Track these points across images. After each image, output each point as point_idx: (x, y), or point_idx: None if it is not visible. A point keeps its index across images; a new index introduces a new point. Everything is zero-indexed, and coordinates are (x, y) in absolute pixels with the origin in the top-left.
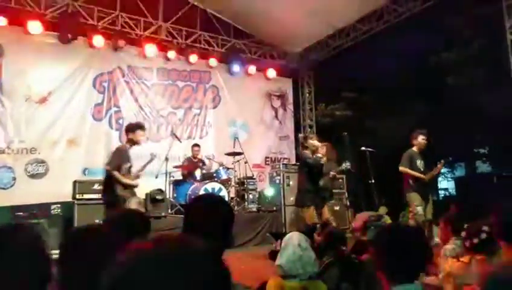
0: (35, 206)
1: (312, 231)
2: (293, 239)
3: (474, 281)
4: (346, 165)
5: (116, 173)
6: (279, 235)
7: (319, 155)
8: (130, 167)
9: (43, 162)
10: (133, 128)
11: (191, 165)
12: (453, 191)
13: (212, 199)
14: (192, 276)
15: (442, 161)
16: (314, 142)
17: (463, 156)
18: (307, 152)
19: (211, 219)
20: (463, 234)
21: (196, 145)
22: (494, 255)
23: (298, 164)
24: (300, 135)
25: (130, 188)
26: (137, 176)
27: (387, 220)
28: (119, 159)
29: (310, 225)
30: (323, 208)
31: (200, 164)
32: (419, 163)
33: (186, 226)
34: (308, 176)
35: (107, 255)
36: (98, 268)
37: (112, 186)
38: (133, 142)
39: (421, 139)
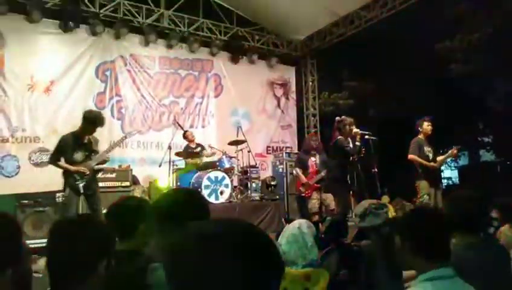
0: (40, 194)
1: (321, 221)
2: (296, 223)
3: None
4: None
5: (60, 163)
6: (292, 221)
7: (357, 144)
8: (88, 153)
9: (46, 150)
10: (91, 123)
11: (189, 155)
12: (456, 180)
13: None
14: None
15: (457, 147)
16: (352, 128)
17: (467, 145)
18: (342, 138)
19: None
20: None
21: (187, 131)
22: None
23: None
24: (337, 118)
25: (81, 175)
26: (100, 160)
27: (390, 209)
28: (58, 151)
29: (343, 212)
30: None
31: (199, 150)
32: (427, 150)
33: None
34: (341, 163)
35: (95, 246)
36: (85, 258)
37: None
38: (86, 132)
39: (426, 125)
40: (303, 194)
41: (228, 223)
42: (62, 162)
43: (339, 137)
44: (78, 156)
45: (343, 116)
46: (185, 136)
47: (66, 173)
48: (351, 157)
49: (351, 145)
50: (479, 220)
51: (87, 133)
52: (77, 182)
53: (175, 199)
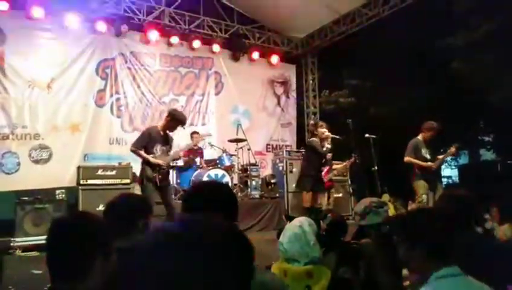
0: (40, 191)
1: (321, 219)
2: (296, 221)
3: None
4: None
5: (141, 152)
6: (293, 219)
7: (328, 147)
8: (166, 148)
9: (46, 147)
10: (177, 120)
11: (190, 153)
12: (456, 178)
13: (213, 183)
14: (214, 254)
15: (455, 146)
16: (324, 130)
17: (467, 144)
18: (316, 140)
19: (212, 202)
20: None
21: (196, 132)
22: None
23: (304, 149)
24: (311, 122)
25: (159, 168)
26: (176, 157)
27: (390, 207)
28: (144, 139)
29: (309, 208)
30: (323, 194)
31: (200, 152)
32: (425, 151)
33: (186, 211)
34: (313, 162)
35: (93, 243)
36: (83, 256)
37: (142, 167)
38: (167, 128)
39: (429, 133)
40: None
41: (204, 222)
42: (143, 151)
43: (312, 138)
44: (158, 149)
45: (316, 121)
46: (192, 137)
47: (145, 164)
48: (323, 159)
49: (324, 148)
50: (468, 218)
51: (169, 130)
52: (155, 174)
53: (203, 191)
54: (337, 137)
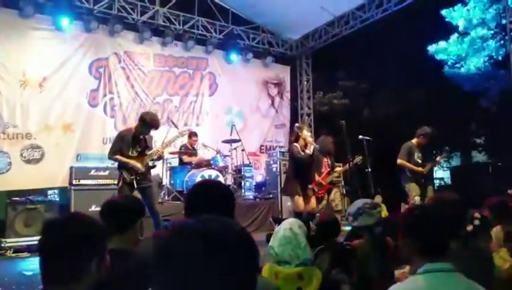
0: (31, 191)
1: (309, 220)
2: (286, 223)
3: None
4: (358, 159)
5: (118, 156)
6: (280, 221)
7: (308, 152)
8: (142, 150)
9: (38, 147)
10: (148, 125)
11: (186, 153)
12: (448, 180)
13: (211, 183)
14: (235, 254)
15: (444, 154)
16: (307, 135)
17: (459, 146)
18: (297, 146)
19: (210, 202)
20: None
21: (194, 134)
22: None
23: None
24: (297, 125)
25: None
26: (154, 156)
27: (384, 209)
28: (118, 144)
29: (299, 213)
30: (311, 197)
31: (195, 152)
32: (417, 156)
33: (187, 210)
34: (297, 167)
35: (88, 245)
36: (78, 258)
37: (119, 172)
38: (139, 132)
39: (423, 139)
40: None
41: (224, 224)
42: (119, 156)
43: (293, 144)
44: (134, 151)
45: (301, 124)
46: (189, 137)
47: (122, 167)
48: (305, 164)
49: (306, 152)
50: (458, 223)
51: (141, 134)
52: (132, 177)
53: (198, 190)
54: (315, 145)
